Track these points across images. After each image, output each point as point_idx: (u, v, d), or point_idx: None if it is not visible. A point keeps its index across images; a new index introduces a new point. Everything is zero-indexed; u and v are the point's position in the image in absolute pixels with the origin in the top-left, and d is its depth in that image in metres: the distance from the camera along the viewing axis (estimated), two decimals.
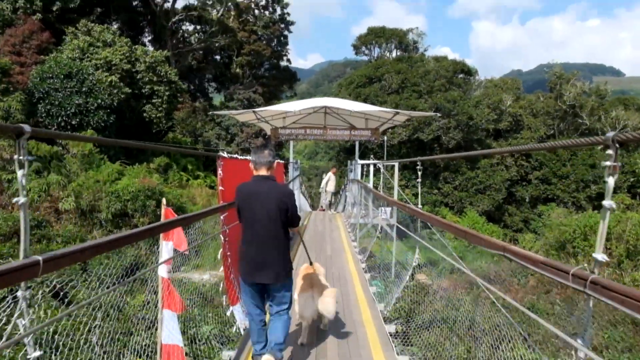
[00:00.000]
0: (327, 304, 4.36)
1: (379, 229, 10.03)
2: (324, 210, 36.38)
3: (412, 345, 7.41)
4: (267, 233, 3.73)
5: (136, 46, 26.59)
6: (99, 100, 22.83)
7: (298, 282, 4.61)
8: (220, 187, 5.02)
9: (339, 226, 13.79)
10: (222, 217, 5.10)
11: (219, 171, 4.92)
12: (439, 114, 16.08)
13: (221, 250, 5.04)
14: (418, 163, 5.43)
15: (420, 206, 5.45)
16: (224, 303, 5.12)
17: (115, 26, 31.20)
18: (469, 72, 39.06)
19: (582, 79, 38.07)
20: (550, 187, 36.25)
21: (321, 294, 4.44)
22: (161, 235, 4.16)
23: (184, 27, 40.06)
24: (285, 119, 16.58)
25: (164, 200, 4.27)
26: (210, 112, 15.44)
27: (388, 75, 34.45)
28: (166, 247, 4.19)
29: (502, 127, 36.64)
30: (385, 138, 21.88)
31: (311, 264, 4.93)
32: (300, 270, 4.86)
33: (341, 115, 17.29)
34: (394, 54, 41.58)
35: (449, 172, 34.69)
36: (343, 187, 19.01)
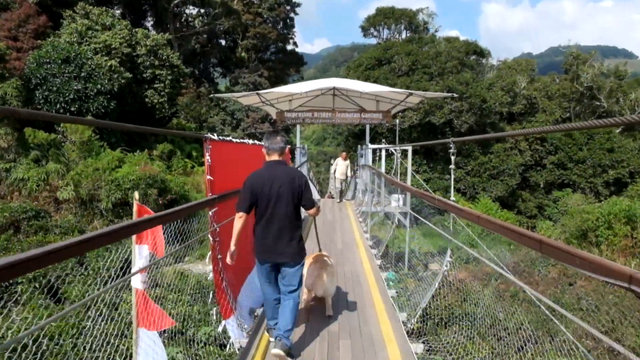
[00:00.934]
0: (320, 283, 4.82)
1: (395, 220, 9.13)
2: (332, 197, 35.29)
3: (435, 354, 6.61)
4: (283, 215, 3.91)
5: (136, 29, 25.66)
6: (99, 86, 22.02)
7: (307, 261, 4.77)
8: (209, 176, 4.17)
9: (350, 215, 12.93)
10: (210, 214, 4.25)
11: (207, 157, 4.06)
12: (455, 94, 15.07)
13: (210, 252, 4.22)
14: (451, 145, 4.68)
15: (452, 198, 4.57)
16: (214, 318, 4.31)
17: (117, 11, 30.28)
18: (481, 53, 37.74)
19: (600, 60, 36.60)
20: (565, 172, 35.08)
21: (326, 271, 4.85)
22: (133, 237, 3.34)
23: (187, 11, 39.05)
24: (292, 102, 15.67)
25: (136, 195, 3.43)
26: (212, 95, 14.59)
27: (398, 57, 33.25)
28: (139, 252, 3.37)
29: (516, 110, 35.41)
30: (397, 121, 20.87)
31: (320, 250, 5.19)
32: (310, 255, 4.98)
33: (350, 98, 16.33)
34: (403, 35, 40.30)
35: (461, 157, 33.61)
36: (352, 173, 17.80)
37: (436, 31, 40.71)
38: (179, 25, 35.91)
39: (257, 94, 14.15)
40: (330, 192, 46.79)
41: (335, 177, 17.00)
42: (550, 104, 37.14)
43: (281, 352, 3.82)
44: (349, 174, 16.83)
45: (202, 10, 38.22)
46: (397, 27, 40.19)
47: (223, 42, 45.55)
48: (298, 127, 17.34)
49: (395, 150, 12.29)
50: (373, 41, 43.60)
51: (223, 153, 4.81)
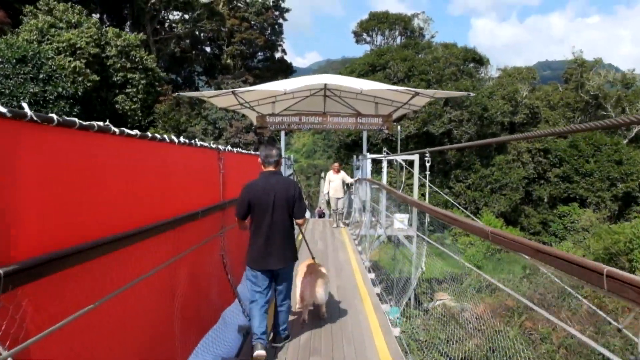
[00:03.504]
0: (318, 292, 4.80)
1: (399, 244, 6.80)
2: (324, 214, 32.19)
3: None
4: (277, 223, 4.04)
5: (106, 28, 23.20)
6: (60, 89, 19.50)
7: (300, 269, 4.97)
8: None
9: (345, 243, 10.39)
10: None
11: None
12: (471, 93, 12.72)
13: None
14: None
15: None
16: None
17: (96, 15, 27.89)
18: (480, 61, 35.76)
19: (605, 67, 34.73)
20: (571, 185, 32.93)
21: (320, 280, 4.84)
22: None
23: (171, 17, 36.78)
24: (275, 105, 13.23)
25: None
26: (177, 94, 12.17)
27: (393, 63, 31.11)
28: None
29: (518, 120, 33.31)
30: (399, 128, 18.47)
31: (313, 258, 5.16)
32: (302, 263, 5.06)
33: (344, 99, 13.92)
34: (398, 41, 38.24)
35: (461, 170, 31.41)
36: (350, 187, 14.08)
37: (432, 37, 38.78)
38: (159, 27, 33.53)
39: (233, 93, 11.69)
40: (320, 207, 44.14)
41: (328, 197, 13.11)
42: (553, 114, 35.17)
43: (280, 345, 4.26)
44: (346, 186, 13.37)
45: (186, 16, 35.89)
46: (391, 33, 38.14)
47: (208, 49, 43.33)
48: (282, 134, 14.85)
49: (397, 160, 9.82)
50: (364, 50, 41.55)
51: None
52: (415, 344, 7.10)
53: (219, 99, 12.34)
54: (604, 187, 32.03)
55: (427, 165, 5.00)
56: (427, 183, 5.84)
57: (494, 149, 33.12)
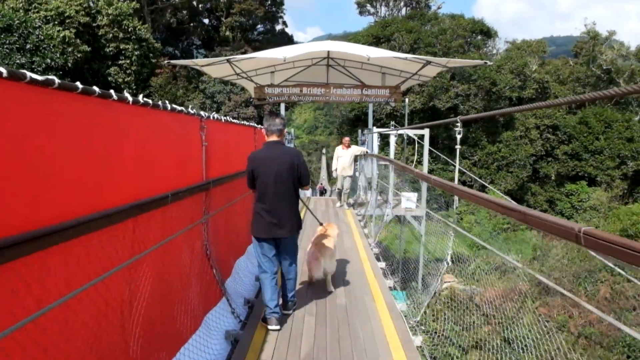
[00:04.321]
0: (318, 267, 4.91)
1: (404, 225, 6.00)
2: (325, 191, 31.31)
3: None
4: (282, 192, 4.04)
5: None
6: (48, 60, 18.52)
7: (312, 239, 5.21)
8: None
9: (351, 225, 9.55)
10: None
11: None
12: (489, 62, 11.67)
13: None
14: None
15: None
16: None
17: None
18: (488, 33, 34.30)
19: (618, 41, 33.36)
20: (580, 163, 31.97)
21: (321, 253, 4.91)
22: None
23: None
24: (275, 75, 12.30)
25: None
26: (167, 62, 11.13)
27: (398, 35, 29.82)
28: None
29: (527, 95, 32.10)
30: (407, 101, 17.46)
31: (321, 224, 5.33)
32: (317, 230, 5.34)
33: (348, 70, 12.96)
34: (403, 13, 36.78)
35: (467, 146, 30.43)
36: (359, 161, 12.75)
37: (439, 8, 37.25)
38: None
39: (229, 61, 10.75)
40: (321, 184, 43.22)
41: (336, 174, 11.88)
42: (562, 89, 33.95)
43: (290, 312, 4.36)
44: (358, 164, 12.22)
45: None
46: (396, 4, 36.64)
47: (206, 21, 41.86)
48: (283, 108, 13.90)
49: (405, 135, 8.92)
50: (368, 22, 40.00)
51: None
52: (430, 339, 6.40)
53: (214, 68, 11.41)
54: (613, 165, 31.12)
55: (458, 137, 4.29)
56: (457, 159, 5.35)
57: (502, 125, 32.13)
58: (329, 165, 63.33)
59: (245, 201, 5.83)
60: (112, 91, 2.17)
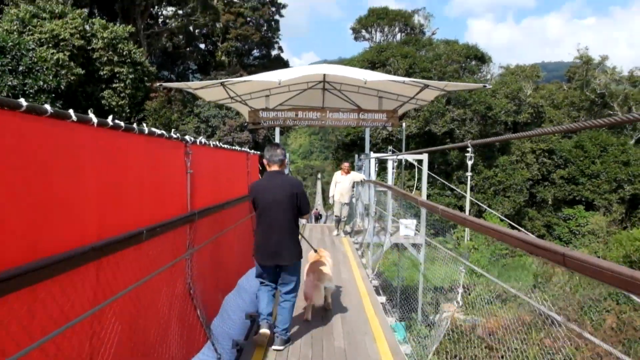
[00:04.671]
0: (317, 299, 4.85)
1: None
2: (320, 216, 30.85)
3: None
4: (281, 221, 4.13)
5: (93, 20, 21.95)
6: (41, 82, 18.26)
7: (306, 267, 5.11)
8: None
9: (348, 255, 9.17)
10: None
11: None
12: (488, 85, 11.49)
13: None
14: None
15: None
16: None
17: (86, 10, 26.48)
18: (482, 58, 34.57)
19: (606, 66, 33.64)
20: (577, 187, 31.88)
21: (320, 279, 4.87)
22: None
23: (165, 12, 35.46)
24: (270, 99, 12.04)
25: None
26: (160, 84, 10.88)
27: (393, 60, 29.94)
28: None
29: (522, 119, 32.18)
30: (404, 125, 17.25)
31: (315, 251, 5.33)
32: (309, 256, 5.25)
33: (345, 93, 12.76)
34: (398, 38, 37.06)
35: (463, 171, 30.26)
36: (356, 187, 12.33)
37: (433, 34, 37.59)
38: (151, 22, 32.26)
39: (223, 84, 10.51)
40: (316, 209, 42.70)
41: (334, 200, 11.36)
42: (557, 113, 34.09)
43: (281, 347, 4.13)
44: (355, 190, 11.66)
45: (179, 12, 34.51)
46: (391, 30, 36.95)
47: (202, 45, 42.07)
48: (277, 133, 13.58)
49: (403, 160, 8.60)
50: (363, 48, 40.24)
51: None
52: None
53: (208, 91, 11.14)
54: (610, 189, 31.00)
55: (469, 163, 3.96)
56: (469, 186, 5.31)
57: (498, 150, 32.08)
58: (324, 190, 63.08)
59: (237, 230, 5.47)
60: (71, 111, 1.84)
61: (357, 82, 11.48)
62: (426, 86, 10.42)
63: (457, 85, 12.61)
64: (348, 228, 11.66)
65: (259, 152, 7.14)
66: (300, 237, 7.21)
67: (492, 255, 25.38)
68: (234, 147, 5.20)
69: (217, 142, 4.39)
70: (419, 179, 27.56)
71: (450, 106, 29.04)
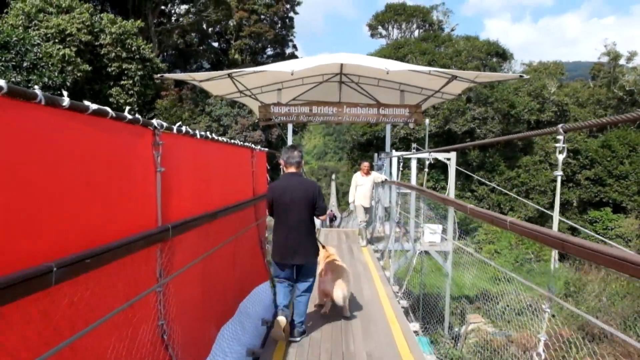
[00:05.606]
0: (337, 294, 4.81)
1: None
2: (335, 218, 29.59)
3: None
4: (298, 221, 4.24)
5: (101, 14, 21.27)
6: (46, 79, 17.60)
7: (321, 265, 5.10)
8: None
9: (369, 267, 8.10)
10: None
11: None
12: (525, 76, 10.38)
13: None
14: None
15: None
16: None
17: (98, 8, 25.93)
18: (503, 55, 33.30)
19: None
20: (604, 188, 30.37)
21: (336, 278, 4.89)
22: None
23: (177, 10, 34.87)
24: (282, 92, 11.10)
25: None
26: (159, 76, 9.96)
27: (412, 57, 28.82)
28: None
29: (545, 118, 30.80)
30: (427, 121, 16.13)
31: (323, 247, 5.33)
32: (320, 256, 5.04)
33: (363, 87, 11.77)
34: (415, 35, 35.89)
35: (485, 172, 29.04)
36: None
37: (453, 30, 36.31)
38: (165, 19, 31.63)
39: (230, 76, 9.61)
40: (331, 210, 41.54)
41: (354, 206, 9.96)
42: (582, 112, 32.61)
43: (298, 339, 4.35)
44: (374, 192, 10.19)
45: (193, 10, 33.82)
46: (408, 26, 35.79)
47: (216, 44, 41.40)
48: (290, 132, 12.51)
49: (436, 157, 7.51)
50: (380, 45, 39.19)
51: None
52: None
53: (214, 84, 10.23)
54: (639, 190, 29.48)
55: (560, 158, 3.03)
56: (559, 184, 3.45)
57: (520, 150, 30.77)
58: (338, 191, 61.92)
59: (239, 242, 4.52)
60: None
61: (377, 73, 10.50)
62: (454, 77, 9.39)
63: (489, 76, 11.54)
64: (367, 234, 10.51)
65: (267, 150, 6.19)
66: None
67: (517, 260, 24.18)
68: (234, 141, 4.23)
69: (209, 134, 3.44)
70: (438, 180, 26.17)
71: (471, 104, 27.85)
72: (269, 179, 6.16)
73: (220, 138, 3.67)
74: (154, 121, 2.40)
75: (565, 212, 31.82)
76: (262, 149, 5.85)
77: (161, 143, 2.39)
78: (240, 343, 3.86)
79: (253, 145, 5.08)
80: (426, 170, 6.85)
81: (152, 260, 2.35)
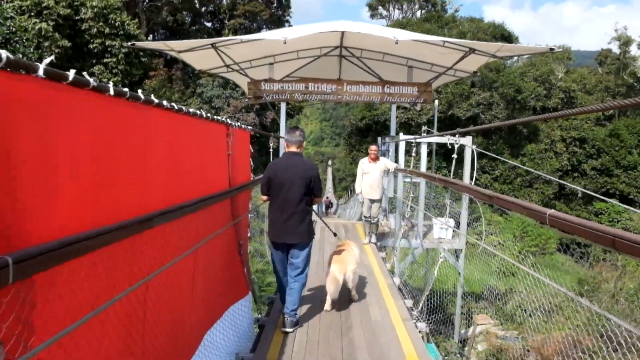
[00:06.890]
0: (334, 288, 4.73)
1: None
2: (331, 205, 28.29)
3: None
4: (293, 200, 4.21)
5: None
6: (19, 54, 16.17)
7: (331, 256, 5.04)
8: None
9: (375, 272, 6.76)
10: None
11: None
12: (556, 49, 9.00)
13: None
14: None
15: None
16: None
17: None
18: (509, 38, 31.93)
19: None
20: (611, 179, 29.36)
21: (343, 271, 4.78)
22: None
23: None
24: (274, 67, 9.80)
25: None
26: (129, 44, 8.67)
27: None
28: None
29: (552, 104, 29.62)
30: (436, 103, 14.86)
31: (335, 235, 5.65)
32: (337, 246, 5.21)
33: (366, 63, 10.50)
34: (418, 16, 34.45)
35: (488, 160, 27.89)
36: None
37: (456, 11, 34.89)
38: None
39: (214, 46, 8.31)
40: (327, 197, 40.16)
41: (362, 197, 8.42)
42: (589, 99, 31.44)
43: (290, 330, 4.29)
44: (377, 194, 8.30)
45: None
46: (410, 6, 34.33)
47: (209, 24, 39.84)
48: (283, 114, 11.19)
49: (462, 140, 6.29)
50: (382, 22, 37.61)
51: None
52: None
53: (196, 55, 8.90)
54: None
55: None
56: None
57: (525, 137, 29.62)
58: (334, 177, 60.73)
59: (207, 250, 3.30)
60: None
61: (382, 46, 9.23)
62: (472, 50, 8.12)
63: (513, 49, 10.27)
64: (374, 229, 8.92)
65: (250, 128, 4.96)
66: (319, 220, 6.95)
67: (520, 253, 23.05)
68: (198, 112, 2.96)
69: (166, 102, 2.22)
70: (440, 168, 24.62)
71: (475, 89, 26.58)
72: (252, 165, 4.96)
73: (170, 105, 2.44)
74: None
75: (569, 203, 30.81)
76: (245, 126, 4.62)
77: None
78: None
79: (229, 121, 3.84)
80: (454, 156, 5.60)
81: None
